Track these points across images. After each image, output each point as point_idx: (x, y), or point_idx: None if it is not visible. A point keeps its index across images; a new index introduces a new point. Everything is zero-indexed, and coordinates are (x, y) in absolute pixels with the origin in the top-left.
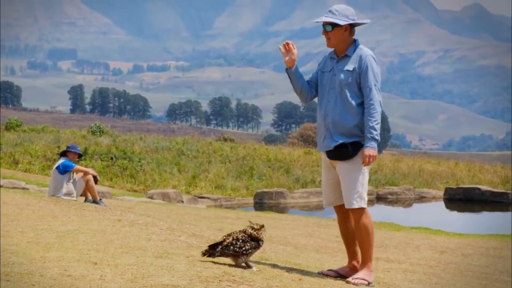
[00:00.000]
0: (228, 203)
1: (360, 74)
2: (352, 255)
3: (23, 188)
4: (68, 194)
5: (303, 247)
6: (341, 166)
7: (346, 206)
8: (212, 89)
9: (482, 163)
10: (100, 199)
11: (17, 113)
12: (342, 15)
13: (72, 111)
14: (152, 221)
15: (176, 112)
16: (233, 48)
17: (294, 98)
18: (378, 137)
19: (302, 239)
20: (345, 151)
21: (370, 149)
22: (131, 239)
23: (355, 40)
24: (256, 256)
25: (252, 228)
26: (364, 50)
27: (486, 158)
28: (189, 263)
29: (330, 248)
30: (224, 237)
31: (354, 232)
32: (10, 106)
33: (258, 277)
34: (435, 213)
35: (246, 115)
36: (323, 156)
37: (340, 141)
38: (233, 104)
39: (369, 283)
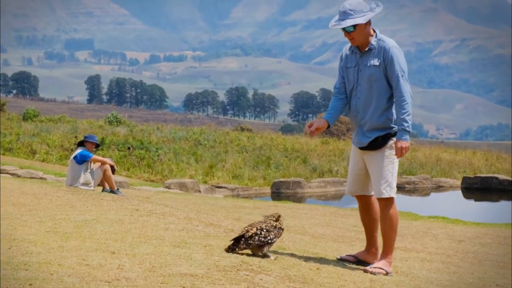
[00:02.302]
0: (245, 193)
1: (386, 66)
2: (371, 242)
3: (41, 178)
4: (86, 184)
5: (321, 236)
6: (370, 156)
7: (376, 196)
8: (228, 79)
9: (500, 152)
10: (118, 189)
11: (35, 103)
12: (359, 11)
13: (89, 101)
14: (170, 210)
15: (193, 102)
16: (250, 38)
17: (310, 88)
18: (410, 129)
19: (320, 228)
20: (375, 142)
21: (403, 141)
22: (149, 229)
23: (374, 31)
24: (273, 245)
25: (273, 219)
26: (386, 41)
27: (503, 147)
28: (206, 253)
29: (348, 238)
30: (247, 228)
31: (374, 220)
32: (28, 96)
33: (276, 266)
34: (453, 202)
35: (263, 105)
36: (353, 145)
37: (373, 137)
38: (250, 94)
39: (387, 273)
